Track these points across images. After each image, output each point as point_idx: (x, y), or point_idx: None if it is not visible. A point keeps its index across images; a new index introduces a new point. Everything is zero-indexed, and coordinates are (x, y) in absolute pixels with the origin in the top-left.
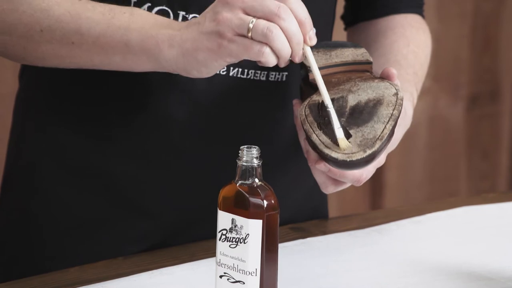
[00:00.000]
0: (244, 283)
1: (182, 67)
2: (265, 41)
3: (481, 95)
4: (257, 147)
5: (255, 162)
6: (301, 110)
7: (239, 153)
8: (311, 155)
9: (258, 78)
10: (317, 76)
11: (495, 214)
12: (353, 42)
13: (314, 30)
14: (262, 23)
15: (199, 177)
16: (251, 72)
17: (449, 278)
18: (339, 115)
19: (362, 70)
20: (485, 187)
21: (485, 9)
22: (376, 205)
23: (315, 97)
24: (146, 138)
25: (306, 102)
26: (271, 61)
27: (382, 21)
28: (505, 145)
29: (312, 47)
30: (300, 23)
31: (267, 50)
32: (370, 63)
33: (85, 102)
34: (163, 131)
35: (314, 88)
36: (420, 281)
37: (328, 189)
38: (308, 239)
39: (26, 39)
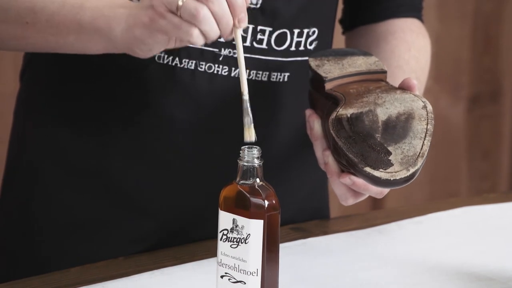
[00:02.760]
0: (245, 283)
1: (126, 46)
2: (193, 22)
3: (481, 96)
4: (258, 147)
5: (256, 162)
6: (330, 125)
7: (240, 153)
8: (331, 167)
9: (259, 78)
10: (241, 60)
11: (496, 215)
12: (361, 50)
13: (245, 13)
14: (191, 3)
15: (200, 177)
16: (253, 73)
17: (449, 279)
18: (372, 130)
19: (377, 80)
20: (485, 187)
21: (485, 10)
22: (377, 205)
23: (341, 111)
24: (146, 138)
25: (333, 116)
26: (199, 42)
27: (382, 25)
28: (506, 145)
29: (322, 56)
30: (231, 6)
31: (195, 32)
32: (384, 72)
33: (86, 102)
34: (164, 131)
35: (332, 100)
36: (421, 281)
37: (348, 201)
38: (309, 239)
39: None
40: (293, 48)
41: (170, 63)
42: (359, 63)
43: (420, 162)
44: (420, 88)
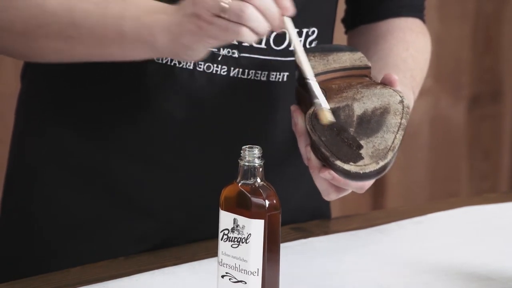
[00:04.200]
0: (246, 283)
1: (173, 52)
2: (240, 22)
3: (482, 96)
4: (259, 147)
5: (257, 162)
6: (307, 119)
7: (241, 153)
8: (313, 162)
9: (258, 78)
10: (298, 47)
11: (496, 215)
12: (348, 46)
13: (289, 1)
14: (235, 4)
15: (201, 177)
16: (252, 72)
17: (450, 279)
18: (347, 125)
19: (361, 75)
20: (486, 187)
21: (486, 10)
22: (377, 205)
23: None
24: (146, 138)
25: (310, 111)
26: (250, 39)
27: (382, 25)
28: (506, 145)
29: (308, 52)
30: None
31: (244, 30)
32: (368, 67)
33: (86, 102)
34: (164, 131)
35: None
36: (421, 281)
37: (330, 196)
38: (310, 239)
39: (25, 36)
40: (292, 48)
41: (169, 63)
42: (344, 59)
43: (390, 156)
44: (416, 87)
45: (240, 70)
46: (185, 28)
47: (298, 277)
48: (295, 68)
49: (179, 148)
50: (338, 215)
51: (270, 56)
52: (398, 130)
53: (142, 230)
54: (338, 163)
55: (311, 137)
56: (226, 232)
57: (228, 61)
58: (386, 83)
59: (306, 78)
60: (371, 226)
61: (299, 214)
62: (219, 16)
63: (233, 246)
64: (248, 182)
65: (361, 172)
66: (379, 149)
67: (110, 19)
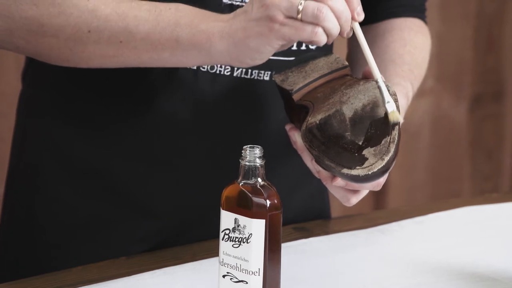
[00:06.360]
0: (247, 283)
1: (235, 57)
2: (315, 22)
3: (484, 96)
4: (260, 146)
5: (258, 162)
6: (302, 136)
7: (242, 152)
8: (323, 174)
9: (261, 78)
10: (367, 52)
11: (498, 215)
12: (322, 51)
13: (361, 6)
14: (312, 4)
15: (202, 177)
16: (255, 72)
17: (451, 279)
18: (342, 130)
19: (341, 76)
20: (488, 187)
21: (488, 10)
22: (379, 205)
23: (310, 119)
24: (149, 138)
25: (304, 127)
26: (322, 40)
27: (382, 25)
28: (509, 145)
29: (285, 69)
30: (347, 0)
31: (319, 30)
32: (346, 66)
33: (88, 102)
34: (166, 131)
35: (303, 110)
36: (423, 281)
37: (351, 201)
38: (311, 239)
39: (74, 41)
40: (294, 48)
41: None
42: (321, 65)
43: (393, 148)
44: (414, 80)
45: (244, 70)
46: (253, 32)
47: (299, 277)
48: (278, 89)
49: (181, 148)
50: (339, 215)
51: (273, 56)
52: None
53: (144, 230)
54: (345, 171)
55: (311, 153)
56: (227, 232)
57: None
58: (367, 76)
59: (377, 82)
60: (373, 226)
61: (301, 214)
62: (293, 18)
63: (234, 246)
64: (249, 182)
65: (369, 173)
66: (380, 145)
67: (165, 25)
